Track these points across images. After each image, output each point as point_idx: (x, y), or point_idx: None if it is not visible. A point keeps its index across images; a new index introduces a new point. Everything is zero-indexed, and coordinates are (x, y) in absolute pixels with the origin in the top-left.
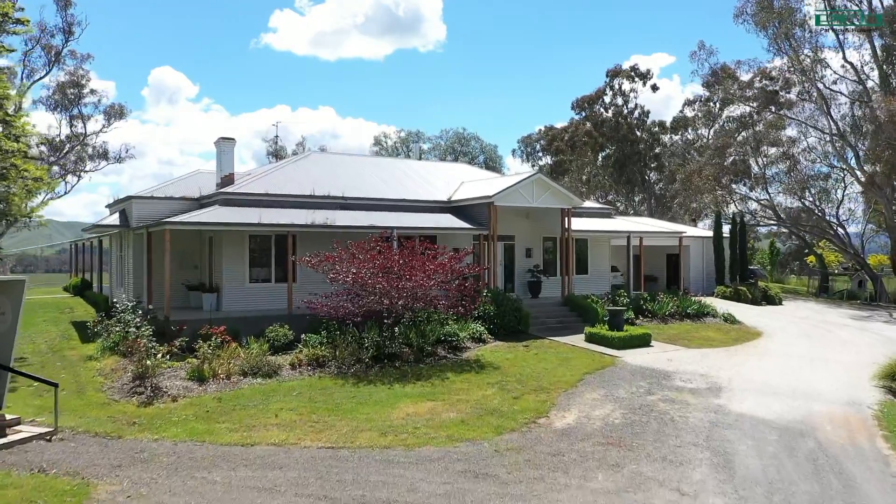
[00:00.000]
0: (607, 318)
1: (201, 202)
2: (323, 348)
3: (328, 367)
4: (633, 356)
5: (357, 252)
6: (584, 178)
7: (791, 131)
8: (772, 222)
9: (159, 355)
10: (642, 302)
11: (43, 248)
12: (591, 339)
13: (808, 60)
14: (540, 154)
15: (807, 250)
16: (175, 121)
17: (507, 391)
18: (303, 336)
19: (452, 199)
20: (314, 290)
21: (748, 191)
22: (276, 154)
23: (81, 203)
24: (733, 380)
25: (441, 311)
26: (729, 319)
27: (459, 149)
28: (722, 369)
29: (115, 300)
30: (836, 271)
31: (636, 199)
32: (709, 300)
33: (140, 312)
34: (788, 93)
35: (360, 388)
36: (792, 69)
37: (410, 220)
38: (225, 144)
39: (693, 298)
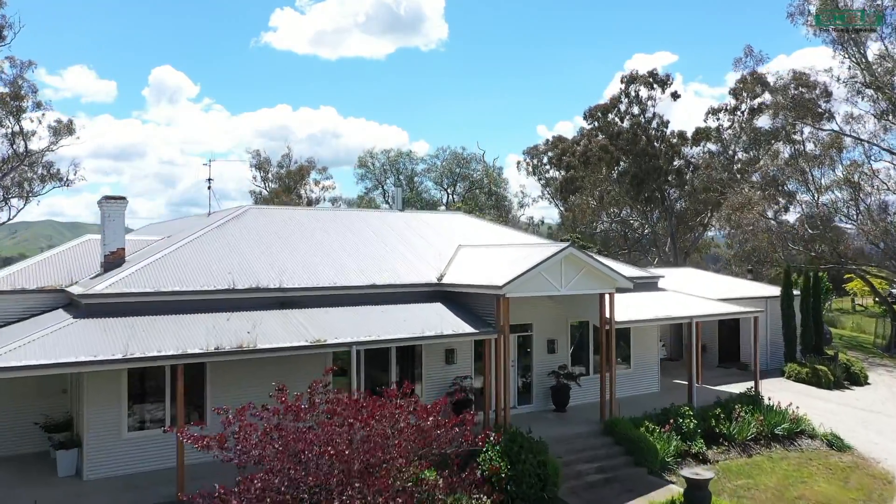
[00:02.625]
0: (679, 476)
1: (72, 299)
2: None
3: None
4: None
5: (284, 416)
6: (596, 194)
7: (854, 153)
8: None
9: None
10: (714, 422)
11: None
12: None
13: (881, 68)
14: (548, 168)
15: (847, 275)
16: (176, 120)
17: None
18: None
19: (445, 279)
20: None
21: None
22: (260, 167)
23: (83, 203)
24: None
25: None
26: (835, 445)
27: (458, 171)
28: None
29: None
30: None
31: (654, 216)
32: (779, 385)
33: None
34: (853, 105)
35: None
36: (866, 82)
37: (382, 322)
38: (111, 207)
39: (782, 410)
